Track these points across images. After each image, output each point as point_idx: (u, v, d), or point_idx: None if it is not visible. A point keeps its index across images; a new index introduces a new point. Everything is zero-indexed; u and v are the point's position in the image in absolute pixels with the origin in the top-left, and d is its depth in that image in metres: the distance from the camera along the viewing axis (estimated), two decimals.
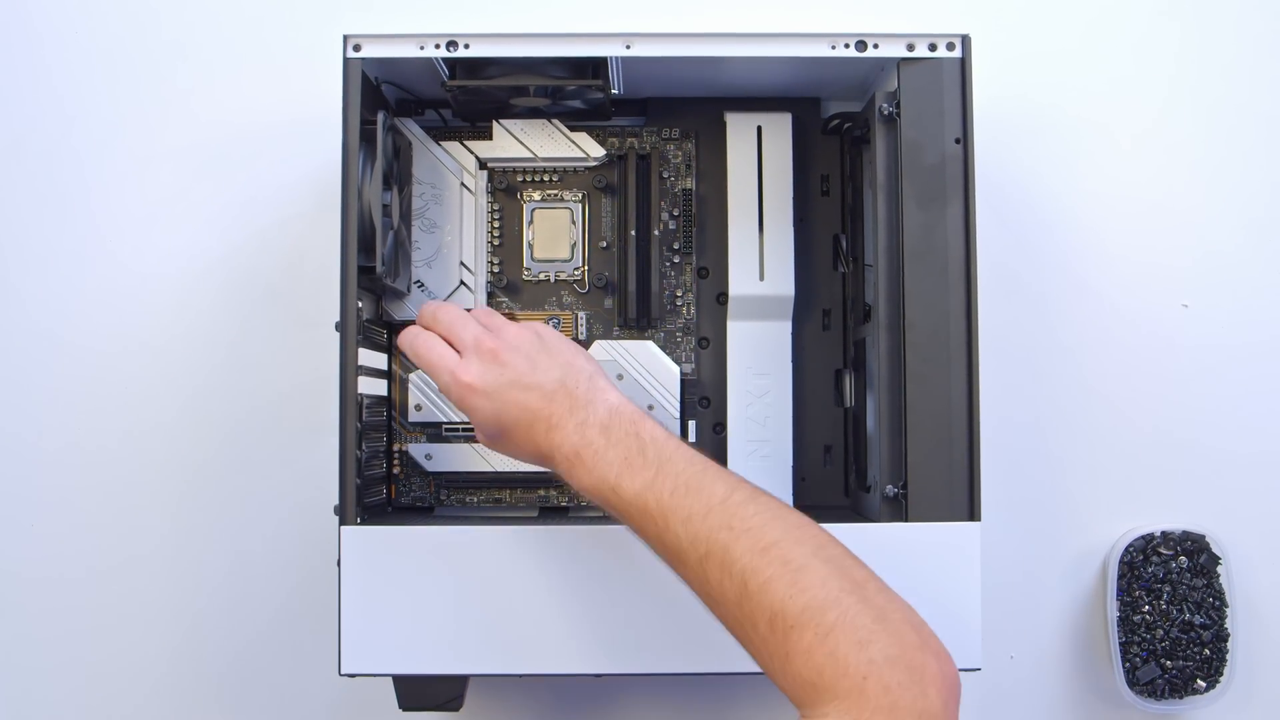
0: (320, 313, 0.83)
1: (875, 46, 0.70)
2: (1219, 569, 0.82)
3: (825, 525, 0.68)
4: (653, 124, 0.81)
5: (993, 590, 0.77)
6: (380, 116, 0.73)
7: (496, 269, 0.81)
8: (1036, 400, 0.85)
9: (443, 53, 0.70)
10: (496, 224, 0.81)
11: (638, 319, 0.80)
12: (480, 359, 0.65)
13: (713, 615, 0.59)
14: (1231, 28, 0.87)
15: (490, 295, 0.81)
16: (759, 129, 0.79)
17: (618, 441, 0.61)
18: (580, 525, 0.70)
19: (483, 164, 0.80)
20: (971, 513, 0.68)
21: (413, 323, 0.79)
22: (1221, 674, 0.81)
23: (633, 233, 0.80)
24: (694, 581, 0.59)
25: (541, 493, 0.80)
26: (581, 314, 0.81)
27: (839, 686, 0.52)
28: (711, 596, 0.58)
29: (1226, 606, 0.81)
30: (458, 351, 0.66)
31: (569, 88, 0.75)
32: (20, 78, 0.86)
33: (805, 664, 0.53)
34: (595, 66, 0.73)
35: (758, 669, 0.67)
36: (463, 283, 0.79)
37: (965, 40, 0.70)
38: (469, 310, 0.71)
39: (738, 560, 0.56)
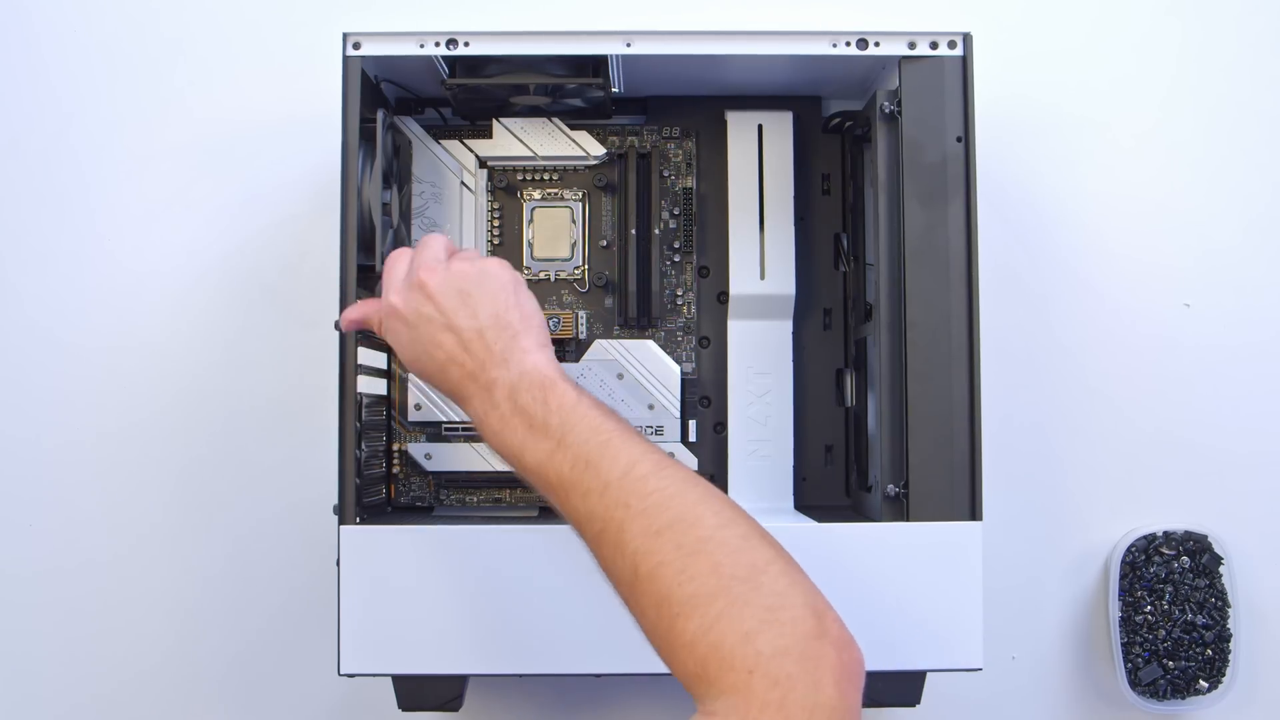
0: (320, 312, 0.83)
1: (876, 45, 0.70)
2: (1221, 569, 0.82)
3: (826, 525, 0.69)
4: (653, 122, 0.81)
5: (994, 590, 0.77)
6: (380, 115, 0.73)
7: None
8: (1038, 400, 0.85)
9: (442, 51, 0.70)
10: (496, 223, 0.81)
11: (638, 318, 0.80)
12: (410, 287, 0.62)
13: (604, 577, 0.57)
14: (1233, 27, 0.87)
15: None
16: (760, 127, 0.79)
17: (523, 408, 0.58)
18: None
19: (483, 162, 0.80)
20: (973, 512, 0.68)
21: None
22: (1224, 674, 0.81)
23: (633, 232, 0.80)
24: (594, 555, 0.56)
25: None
26: (582, 313, 0.81)
27: (724, 681, 0.49)
28: (608, 573, 0.56)
29: (1229, 607, 0.81)
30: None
31: (569, 86, 0.75)
32: (19, 76, 0.86)
33: (689, 656, 0.50)
34: (595, 65, 0.73)
35: None
36: None
37: (967, 38, 0.70)
38: (448, 239, 0.66)
39: (630, 542, 0.53)
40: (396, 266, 0.64)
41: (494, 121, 0.79)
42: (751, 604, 0.50)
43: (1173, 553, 0.82)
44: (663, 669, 0.66)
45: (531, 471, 0.58)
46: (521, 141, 0.80)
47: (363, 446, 0.71)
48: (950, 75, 0.70)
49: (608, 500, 0.55)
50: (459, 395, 0.62)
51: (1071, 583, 0.85)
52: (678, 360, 0.80)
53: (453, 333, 0.61)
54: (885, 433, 0.70)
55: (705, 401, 0.81)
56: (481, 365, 0.60)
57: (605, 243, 0.81)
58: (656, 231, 0.80)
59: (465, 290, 0.62)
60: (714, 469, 0.81)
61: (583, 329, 0.81)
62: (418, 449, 0.79)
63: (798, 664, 0.49)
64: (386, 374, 0.79)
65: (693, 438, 0.80)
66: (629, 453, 0.56)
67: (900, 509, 0.69)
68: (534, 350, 0.61)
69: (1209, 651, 0.81)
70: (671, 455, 0.58)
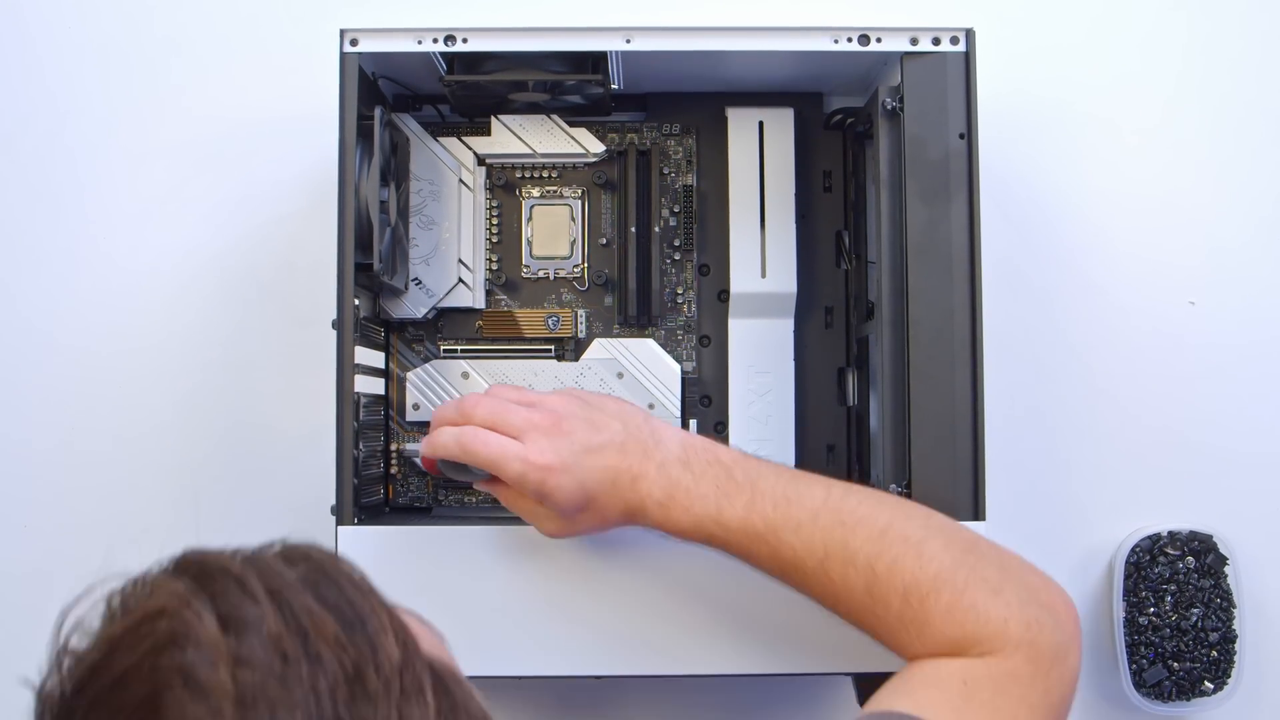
0: (317, 310, 0.83)
1: (878, 40, 0.70)
2: (1226, 569, 0.82)
3: None
4: (653, 119, 0.81)
5: None
6: (377, 112, 0.73)
7: (495, 266, 0.81)
8: (1042, 398, 0.85)
9: (440, 47, 0.70)
10: (495, 221, 0.81)
11: (638, 317, 0.80)
12: (546, 436, 0.61)
13: (833, 613, 0.61)
14: (1239, 22, 0.86)
15: (489, 293, 0.81)
16: (760, 124, 0.79)
17: (703, 473, 0.61)
18: None
19: (481, 160, 0.80)
20: (976, 512, 0.68)
21: (410, 320, 0.79)
22: (1229, 676, 0.81)
23: (633, 229, 0.80)
24: (815, 585, 0.60)
25: None
26: (581, 312, 0.81)
27: (983, 633, 0.56)
28: (836, 594, 0.60)
29: (1234, 607, 0.81)
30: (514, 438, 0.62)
31: (568, 83, 0.75)
32: (13, 73, 0.86)
33: (947, 622, 0.56)
34: (595, 61, 0.73)
35: (759, 671, 0.67)
36: (461, 280, 0.79)
37: (969, 34, 0.70)
38: (489, 392, 0.66)
39: (860, 551, 0.58)
40: (491, 440, 0.61)
41: (492, 118, 0.79)
42: (987, 567, 0.58)
43: (1177, 553, 0.82)
44: (662, 670, 0.66)
45: (735, 528, 0.60)
46: (520, 139, 0.79)
47: (360, 446, 0.71)
48: (953, 71, 0.70)
49: (822, 524, 0.59)
50: (636, 499, 0.61)
51: (1075, 583, 0.84)
52: (678, 359, 0.80)
53: (608, 448, 0.61)
54: (887, 432, 0.70)
55: (706, 401, 0.81)
56: (644, 456, 0.61)
57: (605, 241, 0.81)
58: (656, 229, 0.80)
59: (582, 414, 0.62)
60: None
61: (582, 328, 0.81)
62: (416, 449, 0.79)
63: (1039, 609, 0.57)
64: (385, 373, 0.79)
65: None
66: (818, 481, 0.61)
67: None
68: (667, 426, 0.64)
69: (1214, 653, 0.81)
70: None
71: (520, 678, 0.70)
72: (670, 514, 0.61)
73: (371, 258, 0.72)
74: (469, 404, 0.63)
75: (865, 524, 0.59)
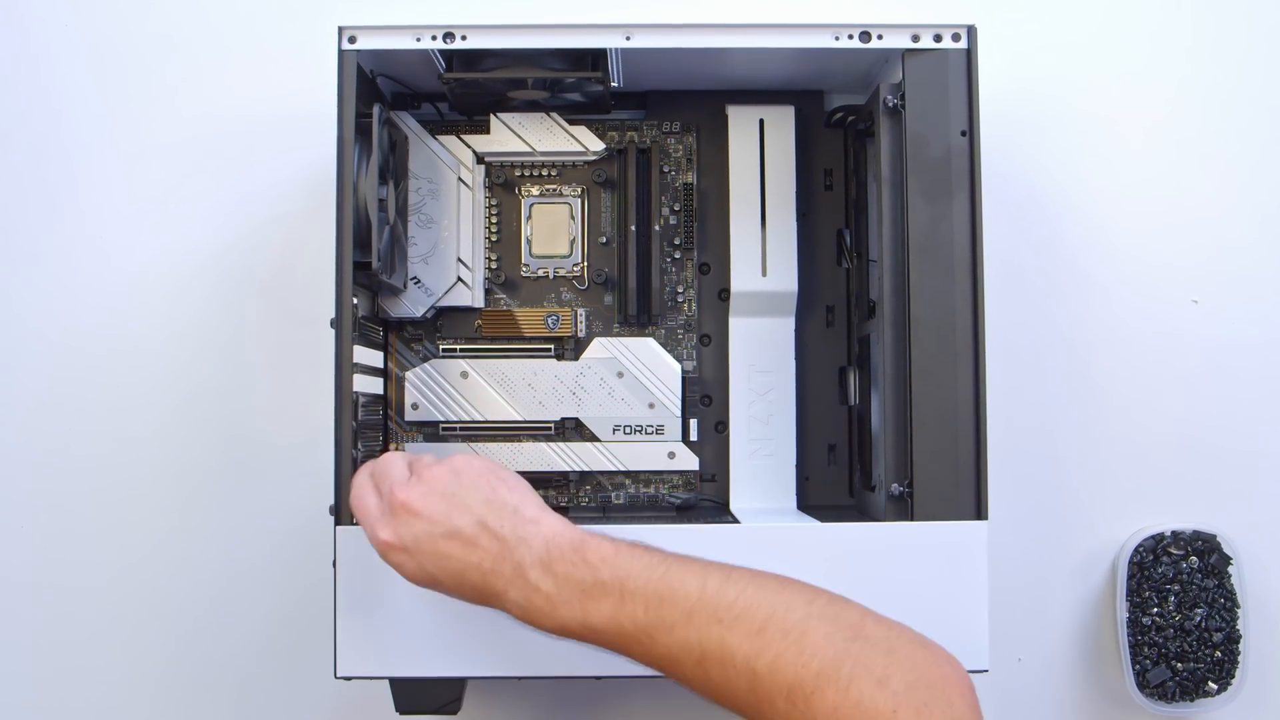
0: (315, 310, 0.83)
1: (879, 38, 0.70)
2: (1230, 569, 0.82)
3: (829, 525, 0.69)
4: (653, 117, 0.81)
5: (1000, 591, 0.77)
6: (376, 110, 0.73)
7: (494, 265, 0.81)
8: (1044, 398, 0.85)
9: (439, 44, 0.70)
10: (494, 219, 0.81)
11: (638, 316, 0.80)
12: (394, 514, 0.61)
13: (723, 709, 0.58)
14: (1243, 20, 0.86)
15: (488, 292, 0.81)
16: (761, 122, 0.79)
17: (567, 577, 0.58)
18: (579, 526, 0.70)
19: (480, 158, 0.80)
20: (978, 512, 0.68)
21: (409, 319, 0.79)
22: (1233, 676, 0.81)
23: (633, 228, 0.80)
24: (695, 684, 0.57)
25: (540, 494, 0.80)
26: (580, 311, 0.81)
27: None
28: (719, 693, 0.57)
29: (1238, 607, 0.81)
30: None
31: (568, 80, 0.75)
32: (6, 72, 0.86)
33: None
34: (594, 58, 0.73)
35: None
36: (460, 279, 0.79)
37: (971, 31, 0.70)
38: (383, 459, 0.65)
39: (738, 649, 0.55)
40: (366, 500, 0.63)
41: (491, 116, 0.79)
42: (873, 653, 0.54)
43: (1181, 553, 0.82)
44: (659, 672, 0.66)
45: (602, 632, 0.58)
46: (519, 137, 0.79)
47: (359, 446, 0.71)
48: (955, 68, 0.70)
49: (697, 624, 0.56)
50: (489, 595, 0.60)
51: (1078, 583, 0.85)
52: (678, 358, 0.80)
53: (455, 539, 0.60)
54: (889, 431, 0.70)
55: (706, 400, 0.81)
56: (499, 556, 0.60)
57: (604, 239, 0.81)
58: (656, 228, 0.80)
59: (447, 492, 0.61)
60: (715, 469, 0.81)
61: (582, 327, 0.81)
62: (415, 449, 0.79)
63: (929, 691, 0.53)
64: (383, 373, 0.79)
65: (694, 437, 0.80)
66: (693, 574, 0.58)
67: (904, 509, 0.69)
68: (541, 517, 0.61)
69: (1218, 653, 0.81)
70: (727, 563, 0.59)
71: (520, 679, 0.70)
72: (532, 618, 0.59)
73: (370, 256, 0.71)
74: (376, 461, 0.65)
75: (743, 619, 0.56)
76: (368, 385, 0.75)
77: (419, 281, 0.79)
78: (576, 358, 0.80)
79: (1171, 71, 0.86)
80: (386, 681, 0.71)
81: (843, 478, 0.81)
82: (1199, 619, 0.81)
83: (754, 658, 0.55)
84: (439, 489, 0.61)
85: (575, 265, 0.81)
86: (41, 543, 0.84)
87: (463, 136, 0.80)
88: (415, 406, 0.79)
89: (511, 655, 0.68)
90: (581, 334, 0.81)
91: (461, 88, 0.75)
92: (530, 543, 0.59)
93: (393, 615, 0.68)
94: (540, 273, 0.81)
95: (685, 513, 0.79)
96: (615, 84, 0.76)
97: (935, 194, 0.69)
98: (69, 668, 0.83)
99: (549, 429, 0.79)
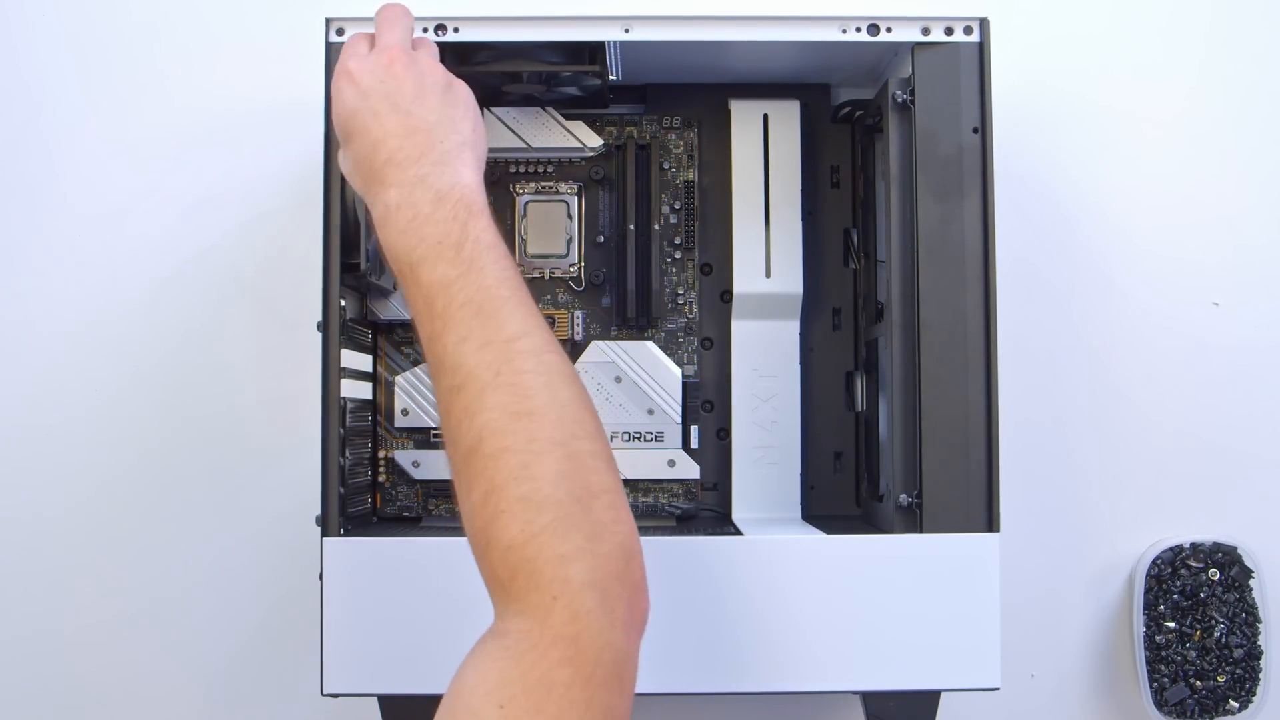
0: (301, 312, 0.83)
1: (888, 30, 0.70)
2: (1251, 582, 0.82)
3: (835, 537, 0.69)
4: (653, 112, 0.81)
5: (1012, 605, 0.77)
6: None
7: None
8: (1059, 404, 0.85)
9: (431, 37, 0.70)
10: None
11: (637, 318, 0.80)
12: (378, 54, 0.63)
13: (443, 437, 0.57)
14: (1263, 10, 0.86)
15: None
16: (765, 117, 0.79)
17: (441, 220, 0.57)
18: None
19: None
20: (990, 523, 0.68)
21: (399, 322, 0.79)
22: (1254, 694, 0.81)
23: (632, 227, 0.80)
24: (440, 405, 0.56)
25: None
26: (578, 313, 0.81)
27: (528, 599, 0.51)
28: (447, 428, 0.55)
29: (1259, 622, 0.81)
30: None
31: (564, 74, 0.75)
32: None
33: (501, 561, 0.52)
34: (592, 51, 0.73)
35: (764, 689, 0.67)
36: None
37: (983, 23, 0.70)
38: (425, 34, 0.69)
39: (484, 412, 0.53)
40: (360, 40, 0.65)
41: (485, 111, 0.79)
42: (577, 528, 0.52)
43: (1200, 565, 0.82)
44: (658, 689, 0.66)
45: (420, 287, 0.57)
46: (514, 132, 0.80)
47: (347, 454, 0.71)
48: (966, 62, 0.70)
49: (482, 357, 0.54)
50: (378, 180, 0.60)
51: (1093, 597, 0.85)
52: (679, 362, 0.80)
53: (402, 115, 0.61)
54: (897, 439, 0.70)
55: (708, 406, 0.81)
56: (417, 158, 0.59)
57: (602, 239, 0.81)
58: (656, 227, 0.80)
59: (429, 83, 0.62)
60: (717, 477, 0.81)
61: (579, 329, 0.81)
62: (405, 456, 0.79)
63: (599, 601, 0.51)
64: (372, 377, 0.79)
65: (695, 444, 0.80)
66: (523, 319, 0.56)
67: (913, 520, 0.69)
68: (470, 166, 0.61)
69: (1238, 670, 0.81)
70: (558, 341, 0.58)
71: None
72: (385, 223, 0.59)
73: (358, 257, 0.71)
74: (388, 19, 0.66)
75: (514, 391, 0.53)
76: (356, 390, 0.75)
77: None
78: (574, 361, 0.80)
79: (1190, 62, 0.86)
80: (375, 699, 0.71)
81: (849, 487, 0.81)
82: (1219, 634, 0.81)
83: (489, 432, 0.53)
84: (426, 78, 0.62)
85: (572, 266, 0.81)
86: (19, 551, 0.84)
87: None
88: (405, 412, 0.79)
89: None
90: (578, 337, 0.81)
91: None
92: (445, 171, 0.59)
93: (382, 630, 0.68)
94: (535, 273, 0.81)
95: (686, 523, 0.79)
96: (613, 77, 0.76)
97: (946, 193, 0.69)
98: (45, 682, 0.83)
99: None
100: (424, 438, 0.79)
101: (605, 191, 0.81)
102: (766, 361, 0.80)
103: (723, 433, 0.81)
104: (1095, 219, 0.86)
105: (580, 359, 0.79)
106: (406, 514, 0.80)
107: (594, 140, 0.80)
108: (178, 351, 0.84)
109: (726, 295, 0.81)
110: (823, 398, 0.82)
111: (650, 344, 0.80)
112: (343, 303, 0.70)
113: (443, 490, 0.80)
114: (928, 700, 0.71)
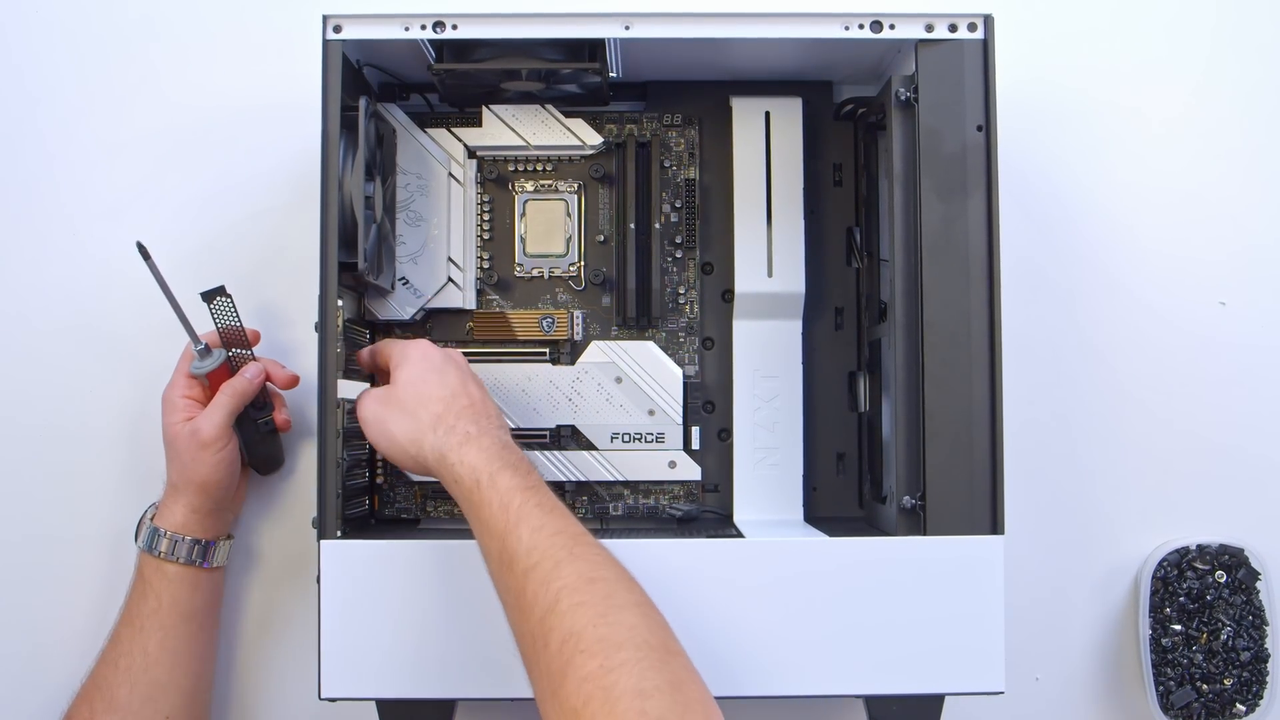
0: (298, 311, 0.83)
1: (891, 27, 0.70)
2: (1259, 585, 0.82)
3: (838, 540, 0.69)
4: (653, 109, 0.81)
5: (1017, 608, 0.77)
6: (362, 102, 0.73)
7: (486, 265, 0.81)
8: (1064, 405, 0.85)
9: (429, 34, 0.70)
10: (486, 217, 0.81)
11: (638, 318, 0.80)
12: (386, 401, 0.68)
13: (510, 628, 0.60)
14: (1268, 6, 0.86)
15: (480, 292, 0.81)
16: (767, 114, 0.79)
17: (510, 449, 0.65)
18: None
19: (472, 152, 0.80)
20: (994, 526, 0.68)
21: (397, 322, 0.79)
22: (1261, 698, 0.81)
23: (632, 226, 0.80)
24: (509, 589, 0.60)
25: None
26: (578, 313, 0.81)
27: None
28: (520, 606, 0.58)
29: (1266, 625, 0.81)
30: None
31: (564, 71, 0.74)
32: None
33: (577, 690, 0.53)
34: (592, 48, 0.73)
35: (769, 692, 0.67)
36: (450, 279, 0.79)
37: (988, 20, 0.70)
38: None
39: (562, 578, 0.57)
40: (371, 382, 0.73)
41: (484, 109, 0.79)
42: (657, 671, 0.53)
43: (1207, 567, 0.82)
44: None
45: (499, 491, 0.62)
46: (513, 130, 0.79)
47: (344, 455, 0.71)
48: (970, 59, 0.70)
49: (556, 541, 0.59)
50: (440, 426, 0.67)
51: (1099, 599, 0.84)
52: (680, 363, 0.80)
53: (407, 456, 0.68)
54: (901, 440, 0.70)
55: (709, 406, 0.81)
56: (468, 408, 0.67)
57: (602, 238, 0.81)
58: (657, 226, 0.80)
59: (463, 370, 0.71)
60: (719, 478, 0.81)
61: (579, 330, 0.81)
62: None
63: None
64: (369, 377, 0.79)
65: (696, 445, 0.80)
66: (584, 530, 0.62)
67: (917, 522, 0.69)
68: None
69: (1245, 673, 0.81)
70: None
71: (511, 700, 0.70)
72: (466, 445, 0.65)
73: (356, 256, 0.71)
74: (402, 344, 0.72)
75: (587, 563, 0.58)
76: (353, 390, 0.75)
77: (407, 282, 0.79)
78: (573, 362, 0.79)
79: (1196, 58, 0.86)
80: (373, 704, 0.70)
81: (852, 488, 0.81)
82: (1226, 637, 0.81)
83: (567, 592, 0.56)
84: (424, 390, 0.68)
85: (571, 265, 0.81)
86: (17, 550, 0.84)
87: (453, 130, 0.80)
88: None
89: (503, 677, 0.68)
90: (578, 337, 0.81)
91: (452, 79, 0.75)
92: (494, 421, 0.68)
93: (379, 634, 0.68)
94: (535, 273, 0.81)
95: (687, 525, 0.79)
96: (614, 75, 0.76)
97: (950, 191, 0.69)
98: (34, 684, 0.83)
99: (544, 437, 0.79)
100: None
101: (605, 190, 0.81)
102: (768, 362, 0.80)
103: (724, 434, 0.81)
104: (1100, 217, 0.85)
105: (580, 359, 0.79)
106: (404, 516, 0.80)
107: (594, 138, 0.80)
108: (175, 350, 0.84)
109: (728, 295, 0.81)
110: (825, 398, 0.81)
111: (651, 344, 0.80)
112: (340, 303, 0.70)
113: (441, 492, 0.80)
114: (932, 704, 0.71)
